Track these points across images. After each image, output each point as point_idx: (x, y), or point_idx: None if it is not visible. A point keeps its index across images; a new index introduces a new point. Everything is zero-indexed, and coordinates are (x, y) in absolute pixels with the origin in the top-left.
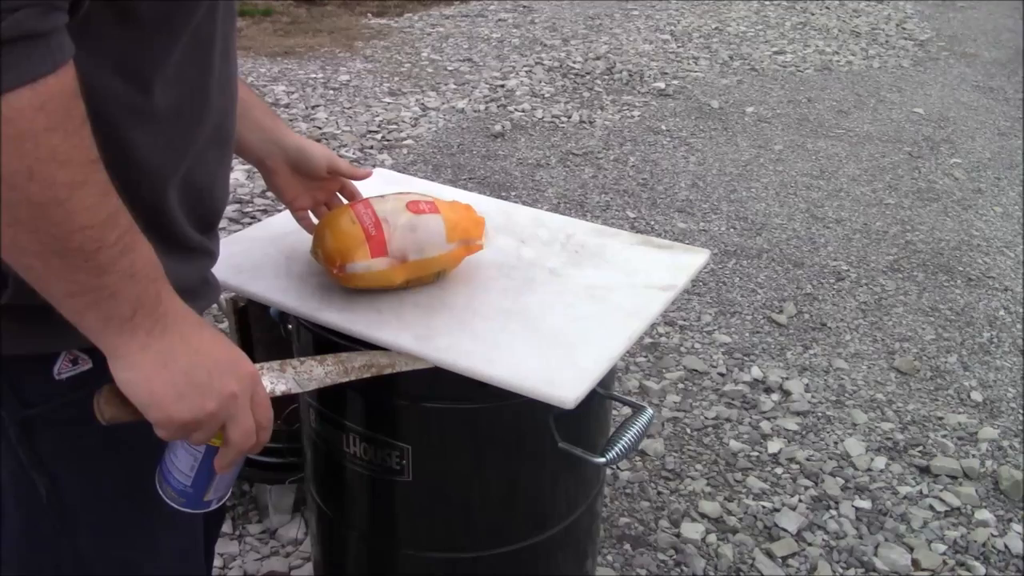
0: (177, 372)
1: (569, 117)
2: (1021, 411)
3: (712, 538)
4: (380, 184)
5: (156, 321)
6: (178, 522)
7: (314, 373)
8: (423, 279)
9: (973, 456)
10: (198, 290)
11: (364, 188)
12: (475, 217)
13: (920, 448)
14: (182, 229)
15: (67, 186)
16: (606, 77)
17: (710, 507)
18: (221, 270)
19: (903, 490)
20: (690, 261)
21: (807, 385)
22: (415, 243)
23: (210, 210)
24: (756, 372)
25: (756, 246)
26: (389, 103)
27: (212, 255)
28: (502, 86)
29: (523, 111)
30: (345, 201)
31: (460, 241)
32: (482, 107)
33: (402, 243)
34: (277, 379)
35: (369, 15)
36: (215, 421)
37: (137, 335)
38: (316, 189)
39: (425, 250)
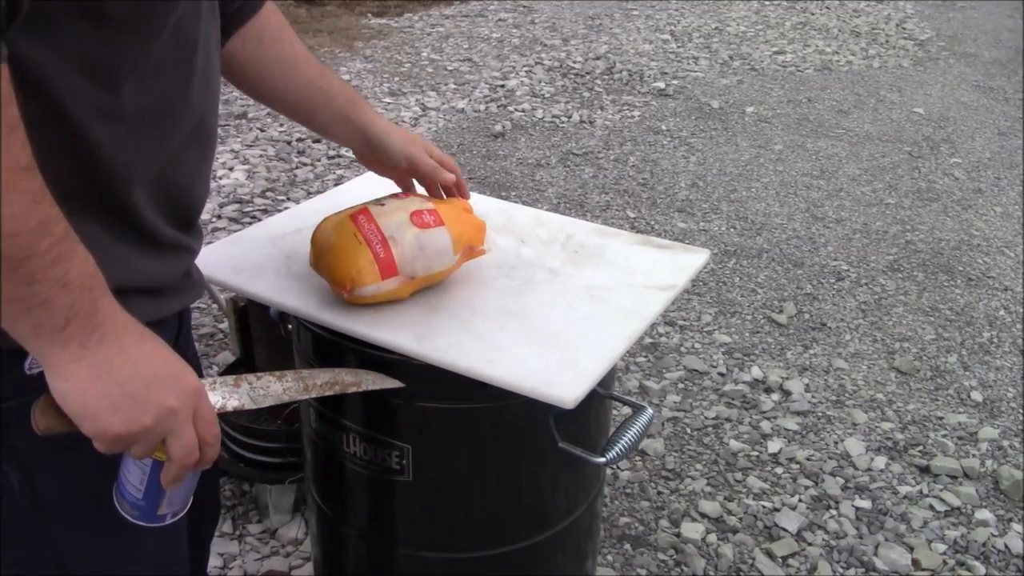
0: (112, 384)
1: (569, 117)
2: (1021, 411)
3: (712, 538)
4: (380, 185)
5: (92, 331)
6: None
7: (271, 389)
8: (428, 287)
9: (973, 456)
10: (178, 286)
11: (363, 191)
12: (476, 222)
13: (920, 448)
14: (155, 226)
15: None
16: (606, 77)
17: (710, 507)
18: (221, 270)
19: (903, 490)
20: (690, 261)
21: (807, 385)
22: (424, 261)
23: (188, 208)
24: (756, 372)
25: (756, 246)
26: (389, 103)
27: (191, 250)
28: (502, 86)
29: (523, 111)
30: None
31: (465, 250)
32: (482, 107)
33: (411, 262)
34: (229, 394)
35: (369, 15)
36: (153, 435)
37: (70, 345)
38: (406, 174)
39: (433, 266)
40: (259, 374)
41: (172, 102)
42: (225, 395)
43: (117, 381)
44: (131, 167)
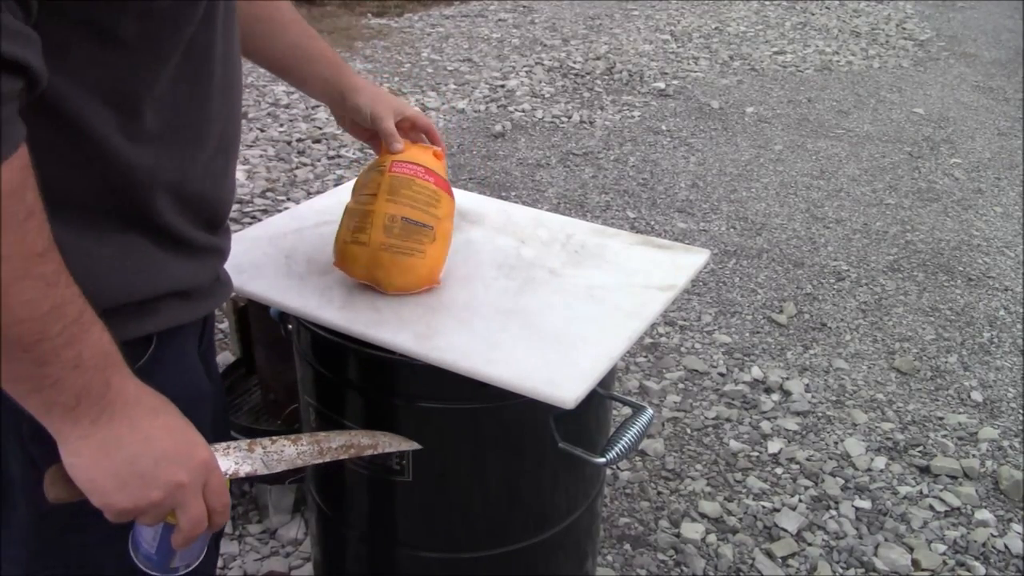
0: (120, 461)
1: (569, 117)
2: (1021, 411)
3: (712, 538)
4: None
5: (102, 410)
6: None
7: (284, 454)
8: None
9: (973, 456)
10: (212, 289)
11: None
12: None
13: (920, 448)
14: (189, 233)
15: (4, 281)
16: (606, 77)
17: (710, 507)
18: None
19: (903, 490)
20: (690, 261)
21: (807, 385)
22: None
23: (217, 210)
24: (756, 372)
25: (756, 246)
26: None
27: (223, 252)
28: (502, 86)
29: (523, 111)
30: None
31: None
32: (482, 107)
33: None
34: (243, 460)
35: (369, 15)
36: (161, 509)
37: (80, 423)
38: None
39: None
40: (274, 438)
41: (190, 116)
42: (238, 460)
43: (126, 458)
44: (164, 180)
